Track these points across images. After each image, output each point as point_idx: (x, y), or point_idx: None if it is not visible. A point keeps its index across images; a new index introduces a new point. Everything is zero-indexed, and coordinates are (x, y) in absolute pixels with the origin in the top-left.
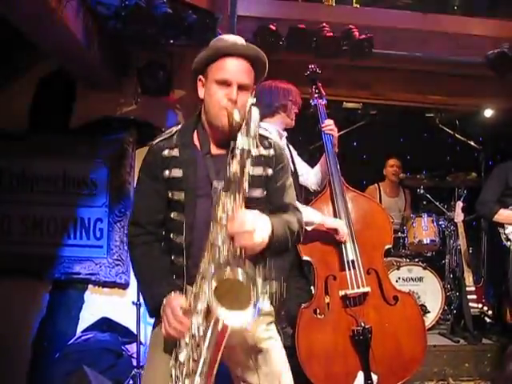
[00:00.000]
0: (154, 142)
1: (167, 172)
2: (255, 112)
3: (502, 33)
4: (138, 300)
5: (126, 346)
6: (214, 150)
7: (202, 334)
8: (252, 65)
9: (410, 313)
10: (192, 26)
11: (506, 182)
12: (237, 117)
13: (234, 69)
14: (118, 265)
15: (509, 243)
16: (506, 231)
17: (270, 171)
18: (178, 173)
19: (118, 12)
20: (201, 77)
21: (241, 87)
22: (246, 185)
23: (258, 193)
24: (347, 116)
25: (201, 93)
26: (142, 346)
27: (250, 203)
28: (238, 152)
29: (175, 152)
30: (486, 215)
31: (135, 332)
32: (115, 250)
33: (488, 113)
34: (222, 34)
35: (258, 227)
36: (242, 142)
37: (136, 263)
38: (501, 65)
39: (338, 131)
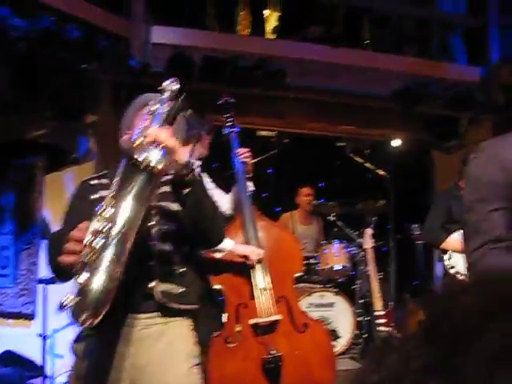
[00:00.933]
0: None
1: (96, 195)
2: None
3: (407, 68)
4: (44, 332)
5: (31, 381)
6: None
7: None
8: None
9: (319, 340)
10: (104, 52)
11: (449, 210)
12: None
13: None
14: (24, 295)
15: (453, 270)
16: (451, 261)
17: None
18: (105, 193)
19: (28, 34)
20: None
21: None
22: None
23: (174, 206)
24: (261, 144)
25: None
26: (47, 379)
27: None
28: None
29: (104, 181)
30: (433, 242)
31: (41, 365)
32: (22, 279)
33: (396, 142)
34: (136, 61)
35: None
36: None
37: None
38: (405, 99)
39: (252, 159)
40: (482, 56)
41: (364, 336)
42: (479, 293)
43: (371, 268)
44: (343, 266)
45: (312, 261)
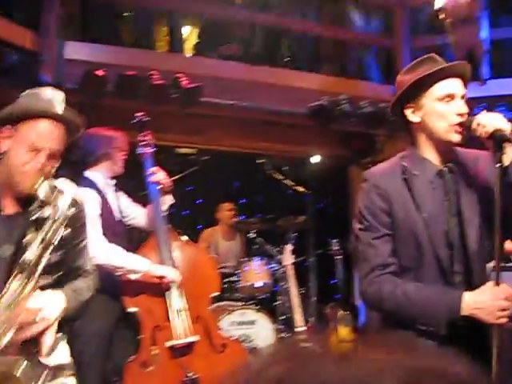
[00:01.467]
0: None
1: None
2: (45, 185)
3: (323, 87)
4: None
5: None
6: (8, 209)
7: None
8: (66, 128)
9: (238, 359)
10: (13, 67)
11: None
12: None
13: (48, 135)
14: None
15: None
16: None
17: (67, 230)
18: None
19: None
20: (6, 130)
21: (51, 155)
22: (38, 273)
23: (55, 257)
24: (181, 162)
25: (4, 146)
26: None
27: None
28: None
29: None
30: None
31: None
32: None
33: (315, 159)
34: (48, 78)
35: (47, 311)
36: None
37: None
38: (322, 116)
39: (172, 177)
40: (395, 75)
41: None
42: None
43: (291, 284)
44: (264, 283)
45: (233, 278)
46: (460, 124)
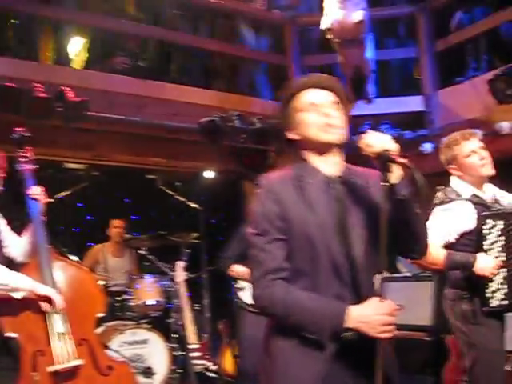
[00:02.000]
0: None
1: None
2: None
3: (214, 102)
4: None
5: None
6: None
7: None
8: None
9: (125, 381)
10: None
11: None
12: None
13: None
14: None
15: (238, 300)
16: (237, 285)
17: None
18: None
19: None
20: None
21: None
22: None
23: None
24: (69, 177)
25: None
26: None
27: None
28: None
29: None
30: (223, 269)
31: None
32: None
33: (208, 174)
34: None
35: None
36: None
37: None
38: (211, 132)
39: (59, 192)
40: None
41: (179, 371)
42: None
43: (184, 301)
44: (157, 301)
45: (124, 296)
46: (329, 124)
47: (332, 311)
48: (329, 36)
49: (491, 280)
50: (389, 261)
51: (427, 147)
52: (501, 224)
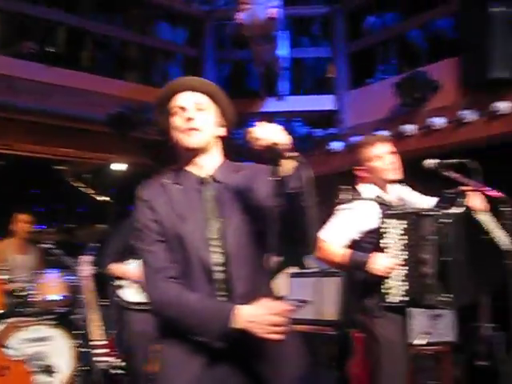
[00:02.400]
0: None
1: None
2: None
3: (125, 94)
4: None
5: None
6: None
7: None
8: None
9: (21, 380)
10: None
11: (126, 237)
12: None
13: None
14: None
15: (117, 298)
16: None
17: None
18: None
19: None
20: None
21: None
22: None
23: None
24: None
25: None
26: None
27: None
28: None
29: None
30: (101, 267)
31: None
32: None
33: (118, 166)
34: None
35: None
36: None
37: None
38: (120, 123)
39: None
40: None
41: (84, 368)
42: None
43: (90, 296)
44: (60, 296)
45: (27, 292)
46: (189, 128)
47: (219, 312)
48: (242, 31)
49: (387, 277)
50: (297, 256)
51: (336, 146)
52: (404, 224)
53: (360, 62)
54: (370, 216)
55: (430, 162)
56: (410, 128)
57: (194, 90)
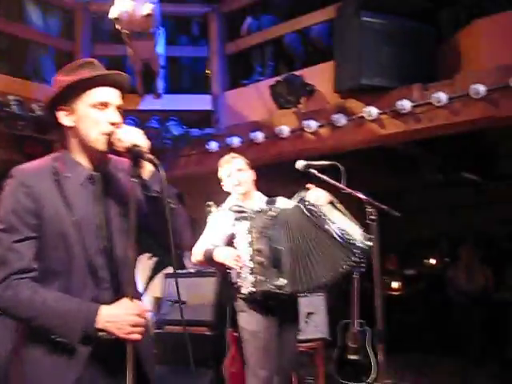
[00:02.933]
0: None
1: None
2: None
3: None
4: None
5: None
6: None
7: None
8: None
9: None
10: None
11: None
12: None
13: None
14: None
15: None
16: None
17: None
18: None
19: None
20: None
21: None
22: None
23: None
24: None
25: None
26: None
27: None
28: None
29: None
30: None
31: None
32: None
33: None
34: None
35: None
36: None
37: None
38: None
39: None
40: None
41: None
42: None
43: None
44: None
45: None
46: (109, 134)
47: (82, 312)
48: (117, 26)
49: (231, 268)
50: (174, 257)
51: (213, 146)
52: (246, 224)
53: (237, 63)
54: (224, 223)
55: (300, 163)
56: (284, 130)
57: (116, 86)
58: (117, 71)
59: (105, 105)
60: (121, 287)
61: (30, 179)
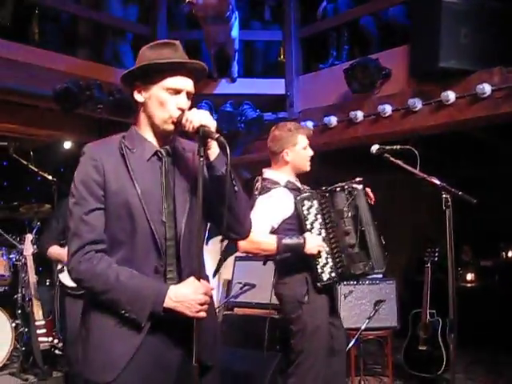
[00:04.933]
0: None
1: None
2: None
3: (74, 70)
4: None
5: None
6: None
7: None
8: None
9: None
10: None
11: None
12: None
13: None
14: None
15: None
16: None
17: None
18: None
19: None
20: None
21: None
22: None
23: None
24: None
25: None
26: None
27: None
28: None
29: None
30: (40, 250)
31: None
32: None
33: (67, 145)
34: None
35: None
36: None
37: None
38: (66, 99)
39: None
40: None
41: (23, 349)
42: None
43: (30, 275)
44: (1, 275)
45: None
46: (177, 117)
47: (152, 291)
48: (193, 11)
49: (319, 256)
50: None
51: None
52: (315, 204)
53: (312, 47)
54: (285, 202)
55: (374, 148)
56: (359, 114)
57: (190, 75)
58: (196, 61)
59: (178, 91)
60: (180, 261)
61: (97, 153)
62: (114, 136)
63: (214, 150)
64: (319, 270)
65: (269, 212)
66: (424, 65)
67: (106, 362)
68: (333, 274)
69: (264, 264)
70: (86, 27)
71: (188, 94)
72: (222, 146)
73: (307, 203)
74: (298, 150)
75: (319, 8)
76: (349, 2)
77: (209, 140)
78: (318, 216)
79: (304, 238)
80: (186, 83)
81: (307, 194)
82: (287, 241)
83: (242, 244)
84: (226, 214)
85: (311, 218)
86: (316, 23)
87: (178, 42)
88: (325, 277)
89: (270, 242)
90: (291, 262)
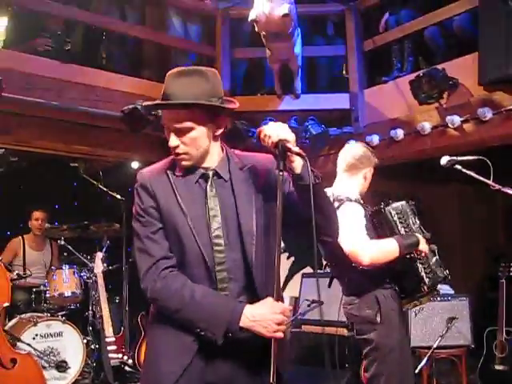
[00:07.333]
0: None
1: None
2: None
3: (141, 91)
4: None
5: None
6: None
7: None
8: None
9: (30, 374)
10: None
11: None
12: None
13: None
14: None
15: None
16: None
17: None
18: None
19: None
20: None
21: None
22: None
23: None
24: None
25: None
26: None
27: None
28: None
29: None
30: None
31: None
32: None
33: (135, 164)
34: None
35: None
36: None
37: None
38: (133, 120)
39: None
40: None
41: (94, 365)
42: None
43: (101, 293)
44: (72, 293)
45: (40, 288)
46: (176, 154)
47: (228, 310)
48: (256, 28)
49: (427, 257)
50: (313, 256)
51: None
52: (395, 213)
53: (375, 60)
54: (361, 215)
55: (445, 159)
56: (426, 126)
57: (173, 105)
58: (175, 101)
59: (166, 128)
60: (233, 288)
61: (148, 181)
62: (166, 160)
63: (297, 162)
64: (422, 274)
65: (357, 223)
66: (494, 72)
67: (156, 380)
68: (436, 279)
69: (329, 286)
70: (149, 48)
71: (178, 130)
72: (302, 158)
73: (393, 212)
74: (371, 172)
75: (381, 20)
76: (412, 13)
77: (289, 154)
78: (400, 225)
79: (418, 237)
80: (169, 119)
81: (396, 205)
82: (407, 241)
83: (370, 254)
84: (322, 221)
85: (399, 225)
86: (380, 35)
87: (180, 70)
88: (427, 281)
89: (392, 245)
90: (361, 281)
